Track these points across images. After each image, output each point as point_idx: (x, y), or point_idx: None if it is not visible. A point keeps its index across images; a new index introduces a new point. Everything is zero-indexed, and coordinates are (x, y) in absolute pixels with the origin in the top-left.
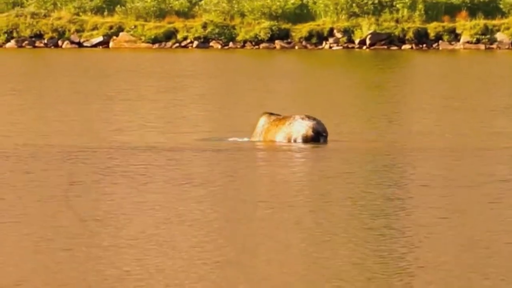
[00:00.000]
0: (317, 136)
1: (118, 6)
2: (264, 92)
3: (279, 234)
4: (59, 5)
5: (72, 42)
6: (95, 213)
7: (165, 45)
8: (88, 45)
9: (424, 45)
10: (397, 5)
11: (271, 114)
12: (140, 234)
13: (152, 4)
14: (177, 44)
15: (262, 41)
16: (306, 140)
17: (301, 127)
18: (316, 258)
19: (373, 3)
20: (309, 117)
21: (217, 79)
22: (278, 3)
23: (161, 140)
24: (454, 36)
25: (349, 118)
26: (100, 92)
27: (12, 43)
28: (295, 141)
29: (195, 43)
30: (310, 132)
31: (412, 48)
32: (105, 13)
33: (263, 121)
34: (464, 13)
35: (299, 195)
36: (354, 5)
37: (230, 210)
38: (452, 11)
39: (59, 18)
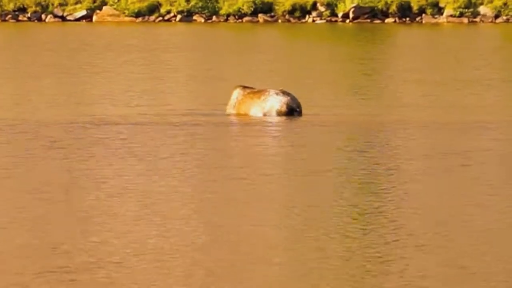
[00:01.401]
0: (291, 112)
1: None
2: (244, 66)
3: (225, 204)
4: None
5: (55, 16)
6: (40, 187)
7: (148, 19)
8: (72, 19)
9: (408, 19)
10: None
11: (245, 87)
12: (87, 207)
13: None
14: (160, 18)
15: (245, 14)
16: (280, 115)
17: (275, 102)
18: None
19: None
20: (283, 92)
21: (196, 53)
22: None
23: (127, 113)
24: (438, 9)
25: (327, 91)
26: (74, 66)
27: None
28: (269, 115)
29: (179, 17)
30: (284, 108)
31: (395, 21)
32: None
33: (236, 93)
34: None
35: (252, 167)
36: None
37: (179, 182)
38: None
39: None
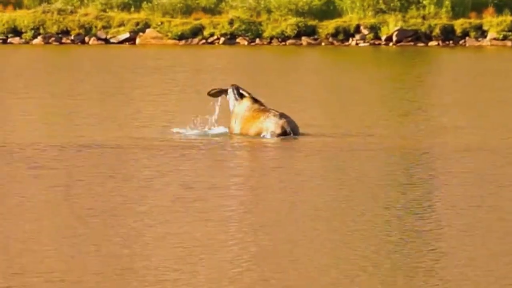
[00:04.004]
0: (284, 134)
1: (145, 2)
2: (282, 87)
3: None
4: (85, 1)
5: (98, 39)
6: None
7: (191, 41)
8: (115, 41)
9: (451, 42)
10: (424, 2)
11: (255, 100)
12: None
13: (178, 0)
14: (203, 41)
15: (288, 37)
16: (273, 136)
17: (271, 124)
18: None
19: (399, 0)
20: (281, 115)
21: (233, 74)
22: (304, 0)
23: (122, 134)
24: (481, 32)
25: (367, 113)
26: (98, 88)
27: (39, 40)
28: (263, 137)
29: (222, 39)
30: (278, 130)
31: (438, 44)
32: (132, 9)
33: (245, 105)
34: (491, 9)
35: (286, 187)
36: (380, 1)
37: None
38: (479, 8)
39: (86, 15)
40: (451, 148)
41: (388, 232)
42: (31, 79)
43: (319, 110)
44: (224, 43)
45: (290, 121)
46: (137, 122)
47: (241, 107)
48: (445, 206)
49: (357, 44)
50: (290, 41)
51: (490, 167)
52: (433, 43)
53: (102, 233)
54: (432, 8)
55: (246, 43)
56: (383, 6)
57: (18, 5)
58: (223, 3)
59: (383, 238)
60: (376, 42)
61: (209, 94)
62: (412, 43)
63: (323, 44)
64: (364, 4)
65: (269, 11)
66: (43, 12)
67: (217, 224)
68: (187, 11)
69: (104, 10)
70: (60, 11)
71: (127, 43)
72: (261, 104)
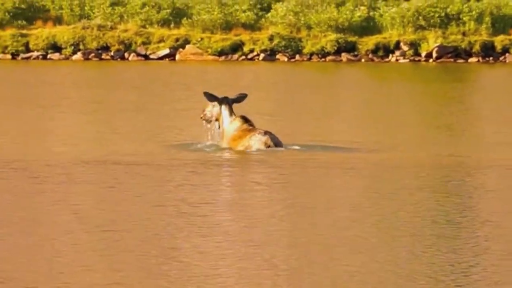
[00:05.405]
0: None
1: (185, 18)
2: (319, 103)
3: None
4: (125, 17)
5: (138, 55)
6: None
7: (231, 57)
8: (155, 57)
9: (491, 58)
10: (464, 18)
11: (246, 121)
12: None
13: (218, 16)
14: (243, 57)
15: (328, 53)
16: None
17: (256, 141)
18: None
19: (439, 16)
20: (265, 132)
21: (270, 91)
22: (344, 16)
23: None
24: None
25: (407, 131)
26: (130, 103)
27: (78, 55)
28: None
29: (262, 55)
30: (262, 147)
31: (478, 61)
32: (172, 25)
33: (235, 125)
34: None
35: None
36: (420, 18)
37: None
38: None
39: (126, 31)
40: (490, 163)
41: (420, 251)
42: (68, 95)
43: (359, 127)
44: (264, 59)
45: (273, 137)
46: (159, 137)
47: (231, 127)
48: (485, 222)
49: (397, 60)
50: (330, 57)
51: None
52: (473, 59)
53: (111, 248)
54: (472, 25)
55: (286, 59)
56: (423, 23)
57: (58, 21)
58: (263, 19)
59: (415, 257)
60: (416, 59)
61: (205, 93)
62: (452, 60)
63: (363, 60)
64: (404, 20)
65: (309, 27)
66: (83, 28)
67: (225, 239)
68: (227, 27)
69: (144, 26)
70: (100, 27)
71: (166, 59)
72: (250, 124)
